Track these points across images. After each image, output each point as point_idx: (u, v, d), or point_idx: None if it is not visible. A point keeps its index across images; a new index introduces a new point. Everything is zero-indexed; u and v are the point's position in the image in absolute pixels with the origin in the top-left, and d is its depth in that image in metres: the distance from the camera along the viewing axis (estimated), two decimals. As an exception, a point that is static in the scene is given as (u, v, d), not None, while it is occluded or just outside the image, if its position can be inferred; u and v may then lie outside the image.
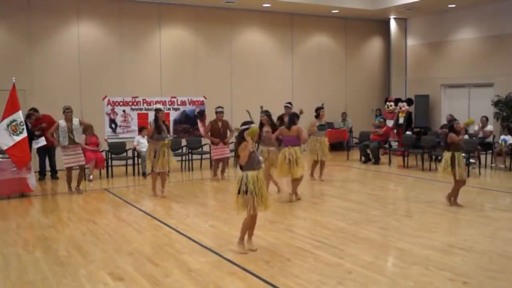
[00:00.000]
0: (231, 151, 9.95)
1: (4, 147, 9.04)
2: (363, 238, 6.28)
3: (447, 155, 7.79)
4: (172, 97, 13.54)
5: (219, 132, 10.90)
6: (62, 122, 9.22)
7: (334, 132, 14.52)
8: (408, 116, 15.21)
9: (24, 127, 9.25)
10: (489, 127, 12.57)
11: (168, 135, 9.13)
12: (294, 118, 8.52)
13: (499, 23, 13.89)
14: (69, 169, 9.40)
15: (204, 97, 13.93)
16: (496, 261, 5.36)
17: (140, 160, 11.36)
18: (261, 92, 14.31)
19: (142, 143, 11.29)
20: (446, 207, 7.88)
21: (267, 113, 8.95)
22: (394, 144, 13.93)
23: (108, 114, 12.82)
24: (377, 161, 12.94)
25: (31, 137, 10.08)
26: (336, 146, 14.28)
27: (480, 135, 12.47)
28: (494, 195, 9.10)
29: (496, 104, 13.55)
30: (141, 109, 13.13)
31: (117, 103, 12.89)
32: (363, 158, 13.28)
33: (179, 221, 7.33)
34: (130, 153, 11.80)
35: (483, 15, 14.28)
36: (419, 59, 16.36)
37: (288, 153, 8.31)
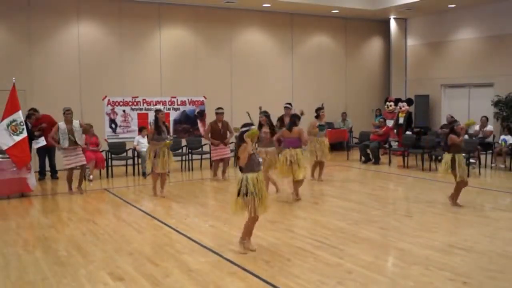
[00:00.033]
0: (231, 151, 9.97)
1: (4, 147, 9.04)
2: (363, 238, 6.28)
3: (447, 157, 7.79)
4: (172, 97, 13.54)
5: (219, 133, 10.90)
6: (62, 124, 9.21)
7: (334, 132, 14.53)
8: (408, 116, 15.21)
9: (24, 127, 9.25)
10: (489, 127, 12.57)
11: (168, 136, 9.12)
12: (295, 119, 8.52)
13: (499, 23, 13.89)
14: (70, 170, 9.40)
15: (204, 97, 13.93)
16: (496, 261, 5.36)
17: (140, 160, 11.36)
18: (261, 92, 14.32)
19: (142, 143, 11.29)
20: (446, 207, 7.88)
21: (266, 114, 8.96)
22: (394, 144, 13.93)
23: (108, 114, 12.83)
24: (377, 161, 12.94)
25: (31, 137, 10.08)
26: (336, 146, 14.28)
27: (480, 135, 12.47)
28: (494, 195, 9.10)
29: (496, 104, 13.55)
30: (141, 109, 13.13)
31: (117, 103, 12.89)
32: (363, 158, 13.28)
33: (179, 221, 7.33)
34: (130, 153, 11.80)
35: (483, 15, 14.28)
36: (419, 59, 16.36)
37: (289, 154, 8.31)
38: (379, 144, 13.21)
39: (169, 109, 13.42)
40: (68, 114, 9.28)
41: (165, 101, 13.42)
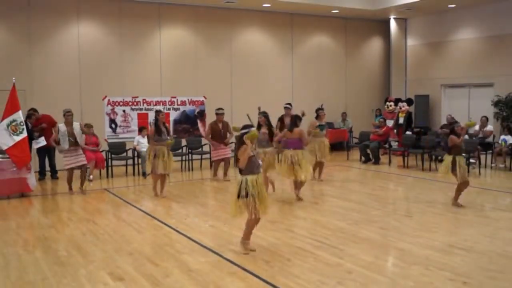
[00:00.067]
0: (232, 151, 9.96)
1: (4, 147, 9.04)
2: (363, 238, 6.28)
3: (448, 158, 7.79)
4: (172, 97, 13.54)
5: (219, 133, 10.89)
6: (62, 126, 9.21)
7: (334, 132, 14.53)
8: (408, 116, 15.21)
9: (24, 127, 9.26)
10: (489, 127, 12.57)
11: (168, 137, 9.10)
12: (296, 120, 8.52)
13: (499, 23, 13.89)
14: (70, 170, 9.40)
15: (204, 97, 13.93)
16: (496, 261, 5.36)
17: (140, 160, 11.36)
18: (261, 92, 14.32)
19: (142, 143, 11.30)
20: (446, 207, 7.88)
21: (264, 114, 8.96)
22: (394, 144, 13.93)
23: (108, 114, 12.83)
24: (377, 161, 12.94)
25: (31, 137, 10.09)
26: (336, 146, 14.28)
27: (480, 135, 12.47)
28: (494, 195, 9.10)
29: (496, 104, 13.55)
30: (141, 109, 13.13)
31: (117, 103, 12.89)
32: (363, 158, 13.28)
33: (179, 221, 7.33)
34: (130, 153, 11.80)
35: (483, 15, 14.28)
36: (419, 59, 16.36)
37: (290, 155, 8.32)
38: (379, 144, 13.21)
39: (169, 109, 13.42)
40: (68, 115, 9.28)
41: (165, 101, 13.42)
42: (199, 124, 13.91)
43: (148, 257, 5.64)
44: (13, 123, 9.09)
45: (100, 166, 11.12)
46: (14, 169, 9.04)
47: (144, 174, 11.15)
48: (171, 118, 13.45)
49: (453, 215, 7.46)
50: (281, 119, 10.56)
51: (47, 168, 11.25)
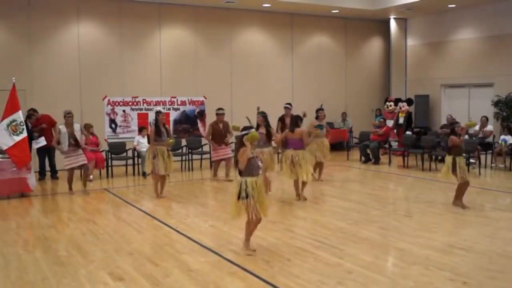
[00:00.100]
0: (232, 151, 9.96)
1: (4, 147, 9.04)
2: (363, 238, 6.28)
3: (448, 159, 7.80)
4: (172, 97, 13.54)
5: (220, 133, 10.87)
6: (62, 128, 9.22)
7: (334, 132, 14.48)
8: (408, 116, 15.21)
9: (24, 127, 9.26)
10: (489, 127, 12.56)
11: (168, 138, 9.09)
12: (297, 120, 8.52)
13: (499, 23, 13.89)
14: (70, 170, 9.41)
15: (204, 97, 13.93)
16: (496, 261, 5.36)
17: (140, 160, 11.36)
18: (261, 92, 14.32)
19: (142, 143, 11.30)
20: (446, 207, 7.88)
21: (263, 114, 8.96)
22: (394, 144, 13.93)
23: (108, 114, 12.83)
24: (377, 161, 12.94)
25: (31, 137, 10.09)
26: (336, 146, 14.28)
27: (480, 135, 12.47)
28: (494, 195, 9.10)
29: (496, 104, 13.55)
30: (141, 109, 13.13)
31: (117, 103, 12.89)
32: (363, 158, 13.28)
33: (179, 221, 7.33)
34: (130, 153, 11.80)
35: (483, 15, 14.28)
36: (419, 59, 16.36)
37: (291, 155, 8.32)
38: (379, 144, 13.21)
39: (169, 109, 13.42)
40: (69, 117, 9.29)
41: (165, 101, 13.42)
42: (199, 124, 13.91)
43: (148, 257, 5.64)
44: (13, 123, 9.09)
45: (100, 166, 11.13)
46: (14, 169, 9.04)
47: (144, 174, 11.15)
48: (171, 118, 13.45)
49: (453, 215, 7.46)
50: (281, 119, 10.56)
51: (47, 168, 11.25)
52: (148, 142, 9.64)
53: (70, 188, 9.49)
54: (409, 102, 15.33)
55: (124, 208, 8.35)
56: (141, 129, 11.80)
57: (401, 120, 15.03)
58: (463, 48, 14.97)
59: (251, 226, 5.69)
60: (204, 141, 12.75)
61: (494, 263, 5.31)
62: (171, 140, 9.05)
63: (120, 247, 6.06)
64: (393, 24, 16.50)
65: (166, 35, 13.50)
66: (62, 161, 9.69)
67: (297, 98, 14.46)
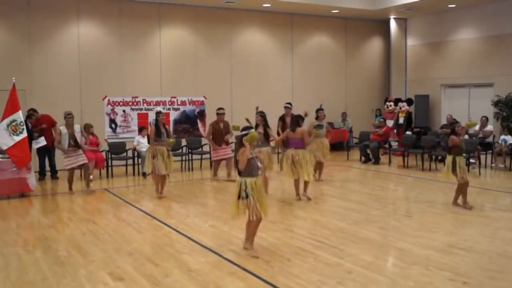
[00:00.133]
0: (232, 151, 9.96)
1: (4, 147, 9.04)
2: (363, 238, 6.28)
3: (448, 159, 7.81)
4: (172, 97, 13.54)
5: (221, 133, 10.86)
6: (63, 129, 9.24)
7: (334, 132, 14.49)
8: (408, 116, 15.21)
9: (24, 127, 9.26)
10: (489, 127, 12.57)
11: (168, 138, 9.09)
12: (298, 120, 8.52)
13: (499, 23, 13.89)
14: (71, 170, 9.42)
15: (204, 97, 13.93)
16: (496, 261, 5.36)
17: (140, 160, 11.36)
18: (261, 92, 14.32)
19: (142, 143, 11.30)
20: (446, 207, 7.89)
21: (261, 114, 8.96)
22: (394, 144, 13.93)
23: (108, 114, 12.83)
24: (377, 161, 12.94)
25: (31, 137, 10.09)
26: (336, 146, 14.28)
27: (480, 135, 12.47)
28: (494, 195, 9.10)
29: (496, 104, 13.55)
30: (141, 109, 13.13)
31: (117, 103, 12.89)
32: (363, 158, 13.28)
33: (179, 221, 7.33)
34: (130, 153, 11.80)
35: (483, 15, 14.28)
36: (419, 59, 16.36)
37: (292, 154, 8.33)
38: (379, 144, 13.21)
39: (169, 109, 13.42)
40: (69, 118, 9.32)
41: (165, 101, 13.42)
42: (199, 124, 13.91)
43: (148, 257, 5.64)
44: (13, 123, 9.10)
45: (100, 166, 11.13)
46: (14, 169, 9.04)
47: (144, 174, 11.15)
48: (171, 118, 13.45)
49: (453, 215, 7.46)
50: (282, 119, 10.55)
51: (47, 168, 11.25)
52: (148, 142, 9.64)
53: (70, 188, 9.49)
54: (409, 102, 15.33)
55: (124, 208, 8.35)
56: (141, 129, 11.80)
57: (401, 120, 15.03)
58: (463, 48, 14.97)
59: (252, 226, 5.68)
60: (204, 141, 12.75)
61: (494, 263, 5.31)
62: (171, 140, 9.05)
63: (120, 247, 6.06)
64: (393, 24, 16.50)
65: (166, 35, 13.50)
66: (62, 161, 9.70)
67: (297, 98, 14.45)
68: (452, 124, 8.15)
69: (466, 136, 10.98)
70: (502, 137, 12.05)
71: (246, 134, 5.58)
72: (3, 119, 9.13)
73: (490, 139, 12.45)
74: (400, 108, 15.16)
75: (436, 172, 11.26)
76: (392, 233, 6.52)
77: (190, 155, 12.45)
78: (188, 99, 13.76)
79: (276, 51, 15.14)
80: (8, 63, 11.58)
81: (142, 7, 13.12)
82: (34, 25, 11.94)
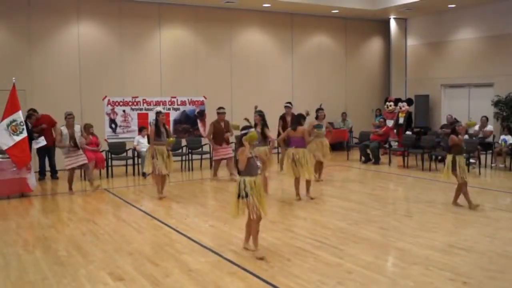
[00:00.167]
0: (233, 150, 9.95)
1: (4, 147, 9.05)
2: (363, 238, 6.28)
3: (448, 158, 7.81)
4: (172, 97, 13.54)
5: (221, 132, 10.86)
6: (64, 129, 9.25)
7: (334, 132, 14.49)
8: (408, 116, 15.22)
9: (24, 127, 9.26)
10: (489, 127, 12.57)
11: (167, 138, 9.08)
12: (300, 119, 8.54)
13: (499, 23, 13.89)
14: (71, 170, 9.42)
15: (204, 97, 13.93)
16: (496, 261, 5.36)
17: (140, 160, 11.36)
18: (261, 92, 14.31)
19: (142, 143, 11.30)
20: (446, 207, 7.89)
21: (260, 113, 8.97)
22: (394, 144, 13.93)
23: (108, 114, 12.83)
24: (377, 161, 12.94)
25: (31, 137, 10.09)
26: (336, 146, 14.27)
27: (480, 135, 12.47)
28: (494, 195, 9.10)
29: (496, 104, 13.55)
30: (141, 109, 13.13)
31: (117, 103, 12.89)
32: (363, 158, 13.28)
33: (179, 221, 7.33)
34: (130, 153, 11.80)
35: (483, 15, 14.28)
36: (419, 59, 16.36)
37: (292, 153, 8.34)
38: (379, 144, 13.21)
39: (169, 109, 13.42)
40: (70, 118, 9.33)
41: (165, 101, 13.42)
42: (199, 124, 13.91)
43: (148, 257, 5.64)
44: (13, 123, 9.10)
45: (100, 166, 11.13)
46: (14, 169, 9.04)
47: (144, 174, 11.15)
48: (171, 118, 13.45)
49: (453, 215, 7.46)
50: (283, 118, 10.56)
51: (47, 168, 11.25)
52: (148, 142, 9.64)
53: (70, 188, 9.50)
54: (409, 102, 15.34)
55: (124, 208, 8.35)
56: (141, 129, 11.80)
57: (401, 120, 15.03)
58: (463, 48, 14.97)
59: (253, 226, 5.67)
60: (204, 141, 12.75)
61: (494, 263, 5.31)
62: (171, 139, 9.04)
63: (120, 247, 6.06)
64: (393, 24, 16.50)
65: (166, 35, 13.50)
66: (62, 161, 9.71)
67: (297, 98, 14.45)
68: (453, 123, 8.15)
69: (466, 136, 10.99)
70: (502, 137, 12.05)
71: (245, 134, 5.58)
72: (3, 119, 9.14)
73: (490, 139, 12.46)
74: (400, 108, 15.16)
75: (436, 172, 11.26)
76: (392, 233, 6.52)
77: (190, 155, 12.44)
78: (188, 99, 13.76)
79: (276, 51, 15.14)
80: (8, 63, 11.58)
81: (142, 7, 13.12)
82: (34, 25, 11.94)
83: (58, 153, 10.40)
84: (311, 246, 5.92)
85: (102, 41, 12.76)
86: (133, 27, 12.99)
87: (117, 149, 11.82)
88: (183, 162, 12.36)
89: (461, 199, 7.92)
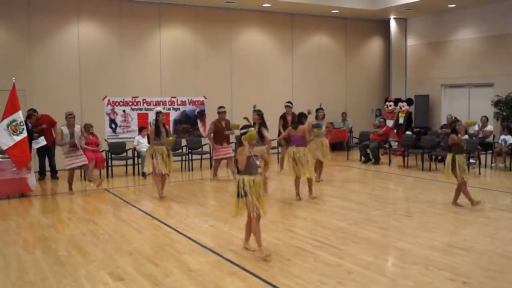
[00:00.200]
0: (233, 150, 9.95)
1: (4, 147, 9.05)
2: (363, 238, 6.28)
3: (448, 157, 7.82)
4: (172, 97, 13.54)
5: (222, 131, 10.86)
6: (65, 129, 9.25)
7: (334, 132, 14.50)
8: (408, 116, 15.22)
9: (24, 127, 9.26)
10: (489, 127, 12.58)
11: (167, 138, 9.08)
12: (302, 118, 8.55)
13: (499, 23, 13.89)
14: (71, 170, 9.42)
15: (204, 97, 13.93)
16: (496, 261, 5.36)
17: (140, 160, 11.36)
18: (261, 92, 14.32)
19: (142, 143, 11.30)
20: (446, 207, 7.89)
21: (258, 113, 8.97)
22: (394, 144, 13.93)
23: (108, 114, 12.83)
24: (377, 161, 12.94)
25: (31, 137, 10.09)
26: (336, 146, 14.28)
27: (480, 135, 12.48)
28: (494, 195, 9.10)
29: (496, 104, 13.55)
30: (141, 109, 13.14)
31: (117, 103, 12.89)
32: (363, 158, 13.28)
33: (179, 221, 7.33)
34: (130, 153, 11.80)
35: (483, 15, 14.28)
36: (419, 59, 16.36)
37: (293, 152, 8.35)
38: (379, 144, 13.21)
39: (169, 109, 13.42)
40: (70, 118, 9.34)
41: (165, 101, 13.42)
42: (199, 124, 13.91)
43: (148, 257, 5.64)
44: (13, 123, 9.10)
45: (100, 166, 11.13)
46: (14, 169, 9.04)
47: (144, 174, 11.15)
48: (171, 118, 13.45)
49: (453, 215, 7.45)
50: (283, 117, 10.55)
51: (47, 168, 11.25)
52: (148, 142, 9.65)
53: (70, 188, 9.50)
54: (409, 102, 15.34)
55: (124, 208, 8.35)
56: (141, 129, 11.80)
57: (401, 120, 15.03)
58: (463, 48, 14.97)
59: (253, 225, 5.66)
60: (204, 141, 12.75)
61: (494, 263, 5.31)
62: (170, 138, 9.04)
63: (120, 247, 6.06)
64: (393, 24, 16.50)
65: (166, 35, 13.50)
66: (62, 161, 9.71)
67: (297, 98, 14.44)
68: (453, 123, 8.14)
69: (466, 136, 10.98)
70: (502, 137, 12.06)
71: (245, 133, 5.58)
72: (3, 119, 9.14)
73: (490, 139, 12.46)
74: (400, 108, 15.16)
75: (436, 172, 11.26)
76: (392, 233, 6.52)
77: (190, 155, 12.44)
78: (188, 99, 13.76)
79: (276, 51, 15.14)
80: (8, 63, 11.58)
81: (142, 7, 13.12)
82: (34, 25, 11.94)
83: (58, 153, 10.41)
84: (311, 246, 5.92)
85: (102, 41, 12.76)
86: (133, 27, 12.99)
87: (117, 149, 11.82)
88: (183, 162, 12.36)
89: (461, 199, 7.92)
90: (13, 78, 9.40)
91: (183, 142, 12.85)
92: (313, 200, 8.57)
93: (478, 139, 12.14)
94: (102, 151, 11.30)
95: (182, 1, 13.35)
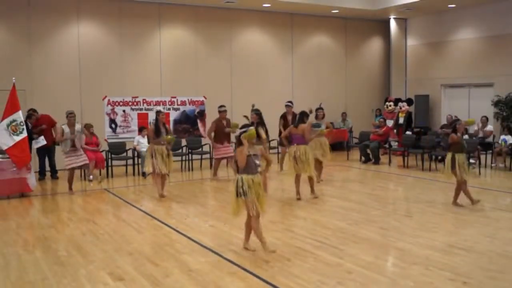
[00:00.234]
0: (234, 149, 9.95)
1: (4, 147, 9.05)
2: (363, 238, 6.28)
3: (448, 156, 7.82)
4: (172, 97, 13.54)
5: (223, 130, 10.86)
6: (65, 128, 9.25)
7: (334, 132, 14.48)
8: (408, 116, 15.21)
9: (24, 127, 9.26)
10: (489, 127, 12.57)
11: (166, 136, 9.08)
12: (303, 117, 8.56)
13: (499, 23, 13.89)
14: (71, 170, 9.42)
15: (204, 97, 13.93)
16: (496, 261, 5.36)
17: (140, 160, 11.36)
18: (261, 92, 14.32)
19: (142, 143, 11.30)
20: (446, 207, 7.88)
21: (257, 112, 8.97)
22: (394, 144, 13.93)
23: (108, 114, 12.83)
24: (377, 161, 12.93)
25: (31, 137, 10.09)
26: (336, 146, 14.27)
27: (480, 135, 12.47)
28: (494, 195, 9.10)
29: (496, 104, 13.55)
30: (141, 109, 13.14)
31: (117, 103, 12.89)
32: (363, 158, 13.28)
33: (179, 221, 7.33)
34: (130, 153, 11.80)
35: (483, 15, 14.28)
36: (419, 59, 16.36)
37: (294, 151, 8.35)
38: (379, 144, 13.21)
39: (169, 109, 13.42)
40: (71, 117, 9.33)
41: (165, 101, 13.42)
42: (199, 124, 13.91)
43: (148, 257, 5.64)
44: (13, 123, 9.10)
45: (100, 166, 11.12)
46: (14, 169, 9.04)
47: (144, 174, 11.15)
48: (171, 118, 13.45)
49: (453, 215, 7.45)
50: (283, 117, 10.54)
51: (47, 168, 11.25)
52: (148, 142, 9.65)
53: (70, 188, 9.49)
54: (409, 102, 15.34)
55: (124, 208, 8.35)
56: (141, 129, 11.80)
57: (401, 120, 15.03)
58: (463, 48, 14.97)
59: (253, 224, 5.66)
60: (204, 141, 12.75)
61: (494, 263, 5.31)
62: (169, 137, 9.02)
63: (120, 247, 6.06)
64: (393, 24, 16.50)
65: (166, 35, 13.50)
66: (62, 161, 9.70)
67: (297, 98, 14.41)
68: (453, 123, 8.14)
69: (466, 136, 10.98)
70: (502, 137, 12.05)
71: (245, 132, 5.58)
72: (3, 119, 9.14)
73: (490, 139, 12.46)
74: (400, 108, 15.16)
75: (436, 172, 11.25)
76: (392, 233, 6.52)
77: (190, 155, 12.44)
78: (188, 99, 13.76)
79: (276, 51, 15.14)
80: (8, 63, 11.58)
81: (142, 7, 13.12)
82: (34, 25, 11.94)
83: (58, 153, 10.40)
84: (311, 246, 5.92)
85: (102, 41, 12.76)
86: (133, 27, 12.99)
87: (117, 149, 11.82)
88: (183, 162, 12.36)
89: (461, 199, 7.92)
90: (13, 78, 9.40)
91: (183, 142, 12.85)
92: (313, 200, 8.57)
93: (478, 139, 12.14)
94: (102, 151, 11.30)
95: (182, 1, 13.35)
